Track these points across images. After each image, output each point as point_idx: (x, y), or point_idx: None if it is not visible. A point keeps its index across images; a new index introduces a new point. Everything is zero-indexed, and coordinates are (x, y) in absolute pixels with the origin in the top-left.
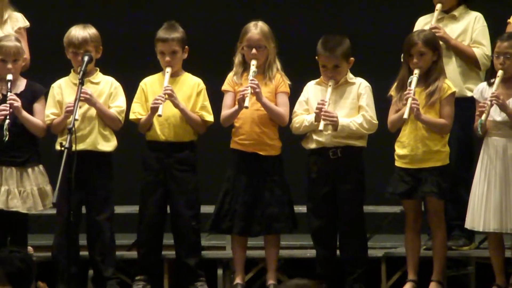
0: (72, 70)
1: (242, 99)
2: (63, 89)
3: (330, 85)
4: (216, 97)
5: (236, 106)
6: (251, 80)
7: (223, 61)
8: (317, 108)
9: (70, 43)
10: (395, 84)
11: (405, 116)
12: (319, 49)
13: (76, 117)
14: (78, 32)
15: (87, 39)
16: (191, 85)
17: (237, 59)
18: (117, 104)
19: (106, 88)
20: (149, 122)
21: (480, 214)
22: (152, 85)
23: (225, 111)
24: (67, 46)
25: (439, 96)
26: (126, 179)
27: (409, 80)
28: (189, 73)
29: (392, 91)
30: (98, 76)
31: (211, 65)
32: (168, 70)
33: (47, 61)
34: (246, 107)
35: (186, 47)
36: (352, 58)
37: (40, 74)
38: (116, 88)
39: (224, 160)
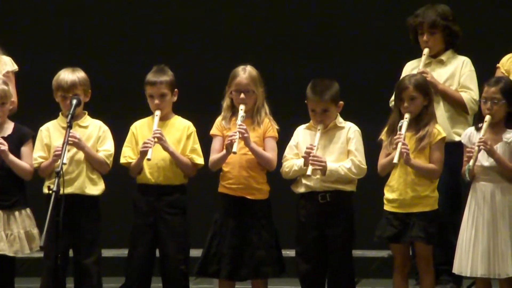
0: (60, 114)
1: (230, 144)
2: (51, 132)
3: (319, 130)
4: (206, 140)
5: (224, 151)
6: (240, 125)
7: (213, 103)
8: (305, 153)
9: (59, 86)
10: (386, 128)
11: (395, 160)
12: (308, 93)
13: (64, 161)
14: (67, 75)
15: (75, 83)
16: (181, 128)
17: (226, 103)
18: (105, 148)
19: (94, 131)
20: (139, 165)
21: (467, 259)
22: (142, 129)
23: (213, 156)
24: (55, 89)
25: (429, 141)
26: (114, 222)
27: (399, 124)
28: (178, 115)
29: (383, 135)
30: (87, 120)
31: (200, 108)
32: (157, 113)
33: (35, 105)
34: (234, 153)
35: (176, 90)
36: (341, 102)
37: (28, 117)
38: (105, 131)
39: (213, 203)
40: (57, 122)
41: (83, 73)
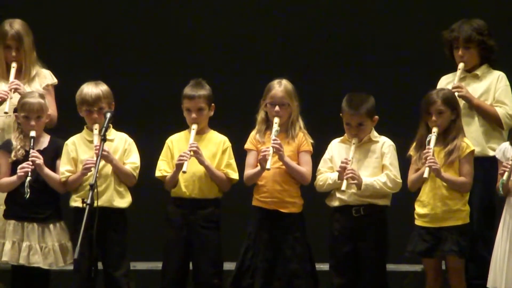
0: (85, 127)
1: (264, 160)
2: (77, 146)
3: (353, 143)
4: (240, 154)
5: (259, 167)
6: (274, 140)
7: (248, 118)
8: (340, 167)
9: (83, 100)
10: (414, 143)
11: (425, 175)
12: (344, 106)
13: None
14: (91, 89)
15: (100, 96)
16: (216, 143)
17: (260, 116)
18: (131, 161)
19: (120, 144)
20: (175, 179)
21: (502, 273)
22: (178, 143)
23: (248, 171)
24: (80, 104)
25: (458, 155)
26: (148, 235)
27: (427, 139)
28: (214, 130)
29: (411, 151)
30: (112, 133)
31: (236, 122)
32: (194, 127)
33: (75, 118)
34: (268, 169)
35: (213, 104)
36: (376, 116)
37: (66, 130)
38: (130, 144)
39: (246, 217)
40: (82, 135)
41: (106, 86)
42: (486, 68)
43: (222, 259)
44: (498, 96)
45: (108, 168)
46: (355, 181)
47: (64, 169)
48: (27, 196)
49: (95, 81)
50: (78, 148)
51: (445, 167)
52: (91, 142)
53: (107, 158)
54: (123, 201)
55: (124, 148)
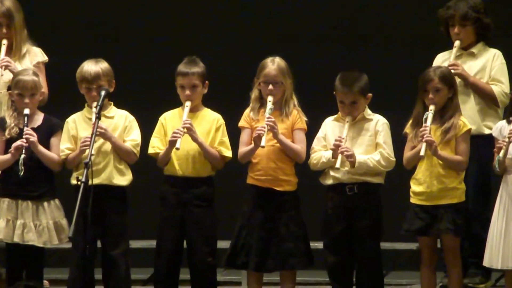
0: (86, 105)
1: (258, 138)
2: (77, 123)
3: (347, 121)
4: (234, 132)
5: (253, 145)
6: (268, 118)
7: (242, 96)
8: (334, 145)
9: (83, 78)
10: (410, 121)
11: (422, 153)
12: (337, 85)
13: (92, 152)
14: (91, 67)
15: (99, 74)
16: (210, 120)
17: (254, 94)
18: (132, 138)
19: (120, 122)
20: (167, 156)
21: (498, 251)
22: (171, 120)
23: (242, 149)
24: (80, 81)
25: (454, 133)
26: (142, 213)
27: (424, 117)
28: (207, 107)
29: (407, 128)
30: (112, 110)
31: (229, 100)
32: (188, 104)
33: (61, 96)
34: (263, 147)
35: (207, 82)
36: (370, 94)
37: (58, 108)
38: (131, 121)
39: (240, 195)
40: (83, 113)
41: (106, 63)
42: (482, 46)
43: (216, 237)
44: (494, 74)
45: (108, 146)
46: (350, 159)
47: (64, 146)
48: (21, 173)
49: (96, 58)
50: (78, 126)
51: (441, 145)
52: (91, 119)
53: (105, 136)
54: (123, 178)
55: (124, 125)
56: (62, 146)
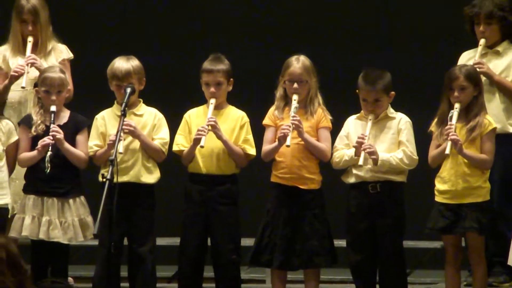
0: (115, 102)
1: (283, 137)
2: (106, 120)
3: (370, 119)
4: (258, 130)
5: (276, 143)
6: (293, 116)
7: (267, 93)
8: (357, 142)
9: (113, 75)
10: (435, 119)
11: (447, 151)
12: (360, 82)
13: (120, 150)
14: (122, 64)
15: (130, 72)
16: (234, 118)
17: (279, 93)
18: (160, 136)
19: (149, 120)
20: (192, 153)
21: None
22: (196, 117)
23: (266, 147)
24: (110, 78)
25: (480, 132)
26: (167, 210)
27: (449, 115)
28: (232, 105)
29: (433, 127)
30: (142, 108)
31: (254, 98)
32: (213, 101)
33: (90, 93)
34: (288, 146)
35: (231, 79)
36: (392, 92)
37: (84, 105)
38: (160, 119)
39: (264, 193)
40: (112, 110)
41: (138, 61)
42: (508, 45)
43: (240, 235)
44: None
45: (136, 144)
46: (373, 156)
47: (93, 143)
48: (48, 171)
49: (127, 55)
50: (108, 123)
51: (466, 143)
52: None
53: (134, 133)
54: (151, 176)
55: (153, 123)
56: (90, 143)
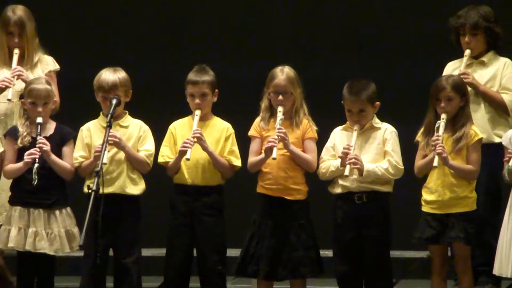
0: (101, 113)
1: (270, 149)
2: (92, 132)
3: (355, 130)
4: (244, 141)
5: (263, 155)
6: (279, 129)
7: (252, 104)
8: (342, 153)
9: (100, 87)
10: (422, 129)
11: (435, 164)
12: (345, 93)
13: (105, 161)
14: (108, 76)
15: (116, 84)
16: (220, 129)
17: (264, 104)
18: (146, 148)
19: (135, 131)
20: (177, 165)
21: (508, 260)
22: (181, 129)
23: (252, 158)
24: (96, 89)
25: (466, 142)
26: (153, 221)
27: (436, 125)
28: (217, 116)
29: (419, 137)
30: (127, 120)
31: (239, 109)
32: (198, 113)
33: (77, 104)
34: (274, 159)
35: (216, 90)
36: (377, 103)
37: (70, 116)
38: (145, 131)
39: (250, 203)
40: (98, 121)
41: (124, 73)
42: (493, 55)
43: (226, 246)
44: (504, 83)
45: (121, 155)
46: (358, 166)
47: (78, 154)
48: (35, 182)
49: (114, 67)
50: (93, 134)
51: (453, 154)
52: None
53: (119, 145)
54: (136, 188)
55: (138, 135)
56: (75, 154)
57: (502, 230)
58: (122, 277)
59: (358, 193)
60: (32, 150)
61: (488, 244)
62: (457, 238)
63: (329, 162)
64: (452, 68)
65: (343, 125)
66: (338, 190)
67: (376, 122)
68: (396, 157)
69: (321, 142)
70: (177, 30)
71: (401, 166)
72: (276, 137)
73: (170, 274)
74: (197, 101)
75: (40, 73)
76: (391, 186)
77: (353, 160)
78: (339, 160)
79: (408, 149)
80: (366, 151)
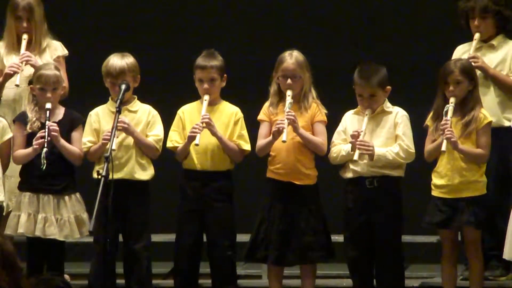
0: (110, 98)
1: (277, 131)
2: (100, 117)
3: (366, 114)
4: (253, 126)
5: (271, 137)
6: (288, 112)
7: (261, 89)
8: (352, 137)
9: (108, 73)
10: (431, 113)
11: (443, 148)
12: (355, 78)
13: (113, 147)
14: (116, 61)
15: (124, 69)
16: (228, 114)
17: (273, 88)
18: (154, 133)
19: (143, 116)
20: (186, 150)
21: None
22: (190, 113)
23: (260, 141)
24: (105, 75)
25: (475, 126)
26: (162, 207)
27: (445, 109)
28: (226, 101)
29: (428, 121)
30: (136, 105)
31: (248, 93)
32: (206, 97)
33: (85, 89)
34: (284, 141)
35: (225, 75)
36: (388, 87)
37: (79, 102)
38: (154, 116)
39: (260, 188)
40: (106, 106)
41: (132, 58)
42: (502, 38)
43: (236, 231)
44: None
45: (130, 140)
46: (369, 152)
47: (86, 139)
48: (44, 167)
49: (122, 52)
50: (102, 119)
51: (462, 138)
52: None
53: (127, 130)
54: (145, 173)
55: (147, 120)
56: (84, 139)
57: (511, 215)
58: (132, 262)
59: (369, 177)
60: (39, 134)
61: (499, 228)
62: (467, 222)
63: (340, 147)
64: (462, 52)
65: (355, 109)
66: (349, 174)
67: (387, 106)
68: (407, 141)
69: (332, 127)
70: (185, 14)
71: (412, 150)
72: (284, 119)
73: (180, 260)
74: (205, 86)
75: (48, 59)
76: (402, 171)
77: (363, 144)
78: (350, 144)
79: (419, 133)
80: (377, 135)
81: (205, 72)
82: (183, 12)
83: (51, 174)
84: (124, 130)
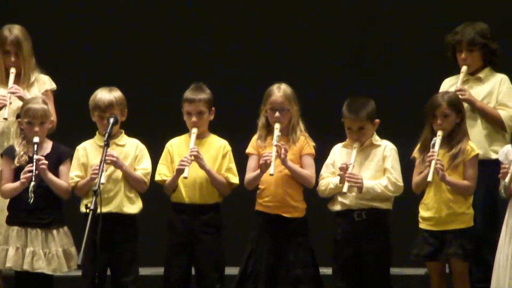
0: (97, 133)
1: (265, 164)
2: (88, 151)
3: (355, 147)
4: (241, 159)
5: (259, 170)
6: (276, 145)
7: (249, 122)
8: (340, 170)
9: (95, 106)
10: (418, 145)
11: (429, 179)
12: (344, 111)
13: (102, 181)
14: (104, 95)
15: (112, 103)
16: (217, 147)
17: (261, 121)
18: (142, 167)
19: (131, 150)
20: (174, 183)
21: (505, 276)
22: (178, 147)
23: (249, 175)
24: (92, 109)
25: (462, 158)
26: (151, 240)
27: (432, 142)
28: (214, 134)
29: (415, 153)
30: (124, 139)
31: (236, 126)
32: (194, 131)
33: (72, 123)
34: (271, 175)
35: (213, 108)
36: (377, 120)
37: (66, 136)
38: (142, 150)
39: (248, 221)
40: (94, 141)
41: (120, 92)
42: (489, 71)
43: (224, 264)
44: (501, 99)
45: (118, 173)
46: (357, 185)
47: (74, 174)
48: (31, 201)
49: (110, 87)
50: (89, 154)
51: (449, 170)
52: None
53: (116, 164)
54: (133, 207)
55: (135, 154)
56: (71, 174)
57: (499, 246)
58: None
59: (357, 210)
60: (27, 168)
61: (486, 261)
62: (455, 254)
63: (328, 179)
64: (449, 85)
65: (343, 142)
66: (337, 207)
67: (376, 139)
68: (395, 174)
69: (320, 160)
70: (173, 49)
71: (400, 183)
72: (271, 152)
73: None
74: (193, 119)
75: (36, 92)
76: (390, 203)
77: (352, 177)
78: (339, 177)
79: (406, 165)
80: (366, 168)
81: (193, 105)
82: (170, 46)
83: (39, 207)
84: (113, 164)
